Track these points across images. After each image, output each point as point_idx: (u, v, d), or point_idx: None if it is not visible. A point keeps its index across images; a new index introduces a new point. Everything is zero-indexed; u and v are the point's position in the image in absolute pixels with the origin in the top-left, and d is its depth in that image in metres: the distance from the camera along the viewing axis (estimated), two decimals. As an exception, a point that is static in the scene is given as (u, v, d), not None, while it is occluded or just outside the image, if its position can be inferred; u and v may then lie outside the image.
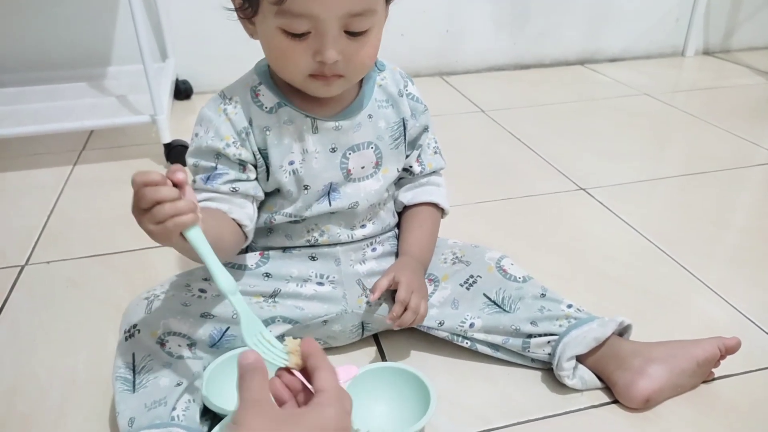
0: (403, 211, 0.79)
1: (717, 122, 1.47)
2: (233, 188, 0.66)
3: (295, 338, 0.52)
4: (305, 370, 0.50)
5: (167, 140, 1.24)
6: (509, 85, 1.81)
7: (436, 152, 0.79)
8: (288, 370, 0.50)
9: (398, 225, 0.79)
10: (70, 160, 1.33)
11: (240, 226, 0.66)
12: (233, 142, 0.66)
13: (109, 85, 1.45)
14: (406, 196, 0.77)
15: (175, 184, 0.51)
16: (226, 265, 0.72)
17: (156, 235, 0.51)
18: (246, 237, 0.68)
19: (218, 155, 0.66)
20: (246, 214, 0.67)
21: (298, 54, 0.60)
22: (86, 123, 1.23)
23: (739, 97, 1.68)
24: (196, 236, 0.52)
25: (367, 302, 0.72)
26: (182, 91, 1.67)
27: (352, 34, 0.60)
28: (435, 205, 0.78)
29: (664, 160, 1.31)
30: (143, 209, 0.51)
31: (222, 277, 0.52)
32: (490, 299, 0.72)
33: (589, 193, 1.14)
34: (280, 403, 0.49)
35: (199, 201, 0.64)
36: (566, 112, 1.58)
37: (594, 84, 1.81)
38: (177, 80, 1.65)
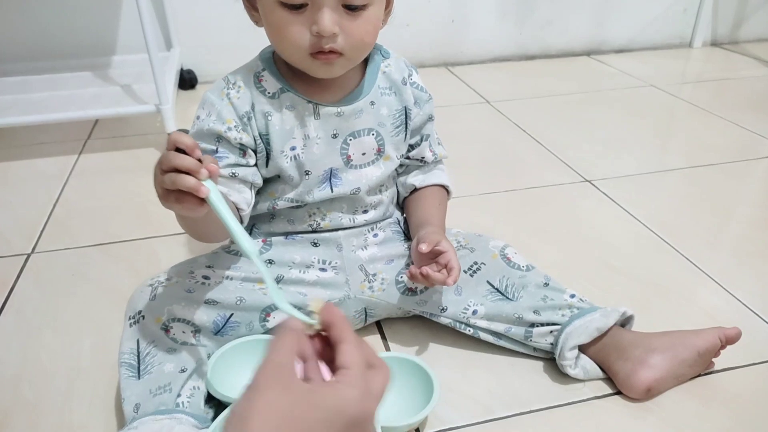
0: (411, 193, 0.80)
1: (724, 114, 1.46)
2: (233, 173, 0.67)
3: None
4: (326, 340, 0.45)
5: (172, 130, 1.24)
6: (514, 75, 1.81)
7: (439, 143, 0.81)
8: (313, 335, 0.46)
9: (403, 207, 0.81)
10: (75, 149, 1.33)
11: (237, 210, 0.67)
12: (235, 126, 0.66)
13: (113, 74, 1.45)
14: (417, 179, 0.79)
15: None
16: (229, 251, 0.73)
17: (162, 197, 0.53)
18: (241, 221, 0.69)
19: (219, 138, 0.67)
20: (244, 198, 0.68)
21: (297, 28, 0.60)
22: (91, 112, 1.24)
23: (747, 89, 1.67)
24: (217, 198, 0.52)
25: (407, 264, 0.73)
26: (187, 81, 1.67)
27: (350, 8, 0.60)
28: (443, 188, 0.80)
29: (669, 152, 1.31)
30: (162, 170, 0.52)
31: (244, 238, 0.52)
32: (493, 287, 0.72)
33: (594, 185, 1.14)
34: (303, 359, 0.44)
35: None
36: (572, 103, 1.57)
37: (600, 75, 1.80)
38: (182, 70, 1.65)
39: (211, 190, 0.51)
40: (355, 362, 0.42)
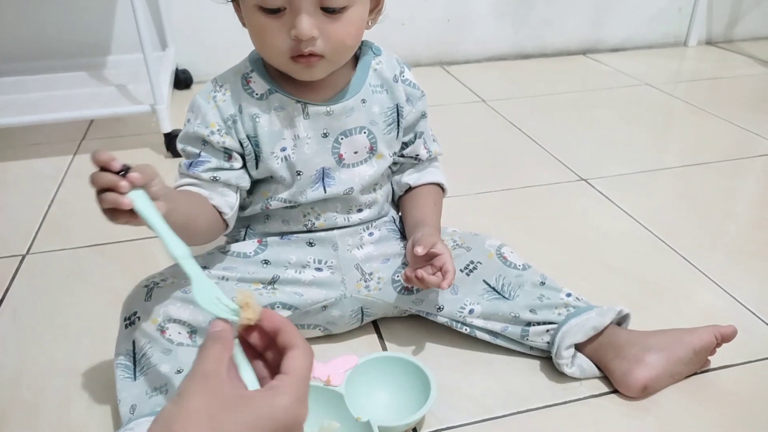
0: (406, 192, 0.79)
1: (719, 113, 1.47)
2: (214, 177, 0.67)
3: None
4: (264, 332, 0.46)
5: (167, 130, 1.24)
6: (510, 74, 1.81)
7: (434, 140, 0.80)
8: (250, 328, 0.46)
9: (399, 205, 0.81)
10: (70, 149, 1.33)
11: (219, 213, 0.67)
12: (218, 130, 0.67)
13: (108, 74, 1.45)
14: (412, 177, 0.79)
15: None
16: (225, 252, 0.73)
17: (105, 215, 0.53)
18: (226, 224, 0.69)
19: (204, 142, 0.67)
20: (226, 201, 0.68)
21: (275, 31, 0.61)
22: (86, 112, 1.23)
23: (742, 88, 1.67)
24: (142, 206, 0.52)
25: (404, 263, 0.73)
26: (182, 81, 1.66)
27: (328, 10, 0.60)
28: (438, 186, 0.80)
29: (665, 151, 1.31)
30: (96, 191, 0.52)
31: (172, 243, 0.51)
32: (489, 286, 0.72)
33: (590, 184, 1.14)
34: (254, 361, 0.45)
35: (182, 185, 0.66)
36: (568, 102, 1.57)
37: (596, 74, 1.80)
38: (177, 69, 1.65)
39: (136, 199, 0.51)
40: (298, 369, 0.42)
